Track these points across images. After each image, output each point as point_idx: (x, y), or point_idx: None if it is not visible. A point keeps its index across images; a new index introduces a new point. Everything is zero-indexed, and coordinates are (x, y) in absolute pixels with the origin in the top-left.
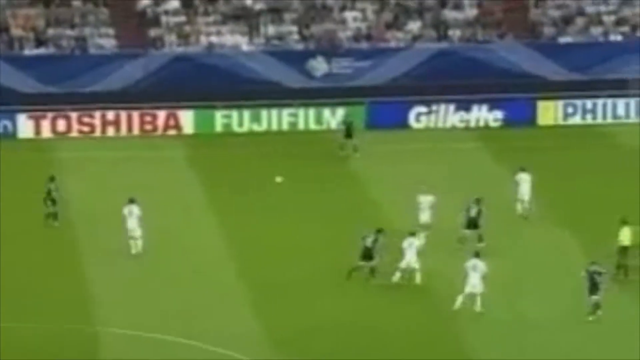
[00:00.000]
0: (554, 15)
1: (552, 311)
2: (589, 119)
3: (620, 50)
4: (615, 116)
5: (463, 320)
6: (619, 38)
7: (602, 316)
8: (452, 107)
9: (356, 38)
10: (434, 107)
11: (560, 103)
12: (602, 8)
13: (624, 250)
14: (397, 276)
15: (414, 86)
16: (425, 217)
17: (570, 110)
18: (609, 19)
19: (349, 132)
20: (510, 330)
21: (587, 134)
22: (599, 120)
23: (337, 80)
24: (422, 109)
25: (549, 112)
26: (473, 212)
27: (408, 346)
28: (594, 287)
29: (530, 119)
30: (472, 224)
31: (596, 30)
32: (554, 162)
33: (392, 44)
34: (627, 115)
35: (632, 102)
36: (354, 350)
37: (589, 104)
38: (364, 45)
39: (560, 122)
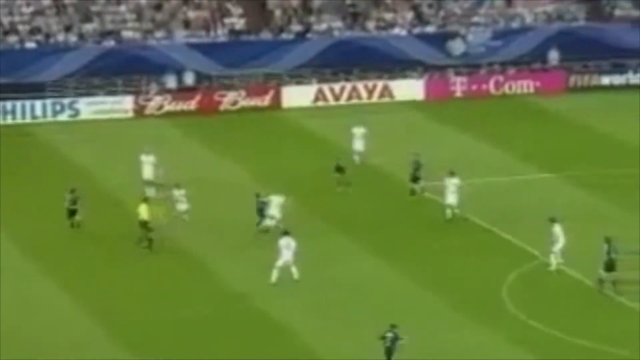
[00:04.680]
0: None
1: None
2: (9, 120)
3: (37, 56)
4: (34, 116)
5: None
6: (34, 45)
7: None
8: None
9: None
10: None
11: None
12: (17, 18)
13: (144, 224)
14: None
15: None
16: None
17: None
18: (23, 28)
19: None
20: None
21: (10, 132)
22: (19, 120)
23: None
24: None
25: None
26: None
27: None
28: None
29: None
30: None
31: (13, 39)
32: None
33: None
34: (45, 115)
35: (49, 103)
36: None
37: (9, 105)
38: None
39: None
